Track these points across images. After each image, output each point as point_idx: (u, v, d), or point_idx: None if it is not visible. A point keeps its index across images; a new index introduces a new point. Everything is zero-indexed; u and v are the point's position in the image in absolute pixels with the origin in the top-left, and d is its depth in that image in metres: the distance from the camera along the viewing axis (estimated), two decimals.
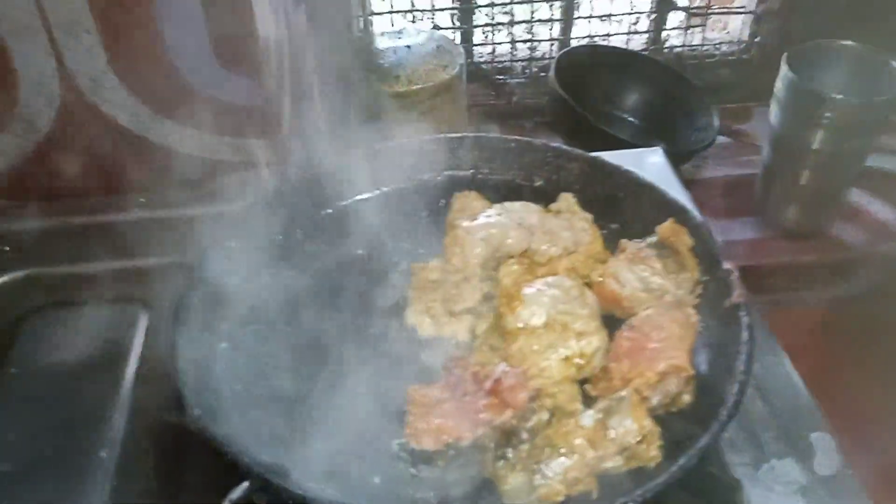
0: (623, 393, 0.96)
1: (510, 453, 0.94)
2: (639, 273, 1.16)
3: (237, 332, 1.13)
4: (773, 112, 1.82)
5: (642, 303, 1.12)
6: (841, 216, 1.93)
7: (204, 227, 1.25)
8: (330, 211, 1.33)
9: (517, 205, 1.26)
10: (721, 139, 2.09)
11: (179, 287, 1.13)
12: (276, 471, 0.89)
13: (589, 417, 0.95)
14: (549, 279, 1.13)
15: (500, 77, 2.28)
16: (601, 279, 1.15)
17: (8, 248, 1.41)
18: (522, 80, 2.29)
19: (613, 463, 0.93)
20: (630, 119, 2.21)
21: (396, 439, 0.91)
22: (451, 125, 1.94)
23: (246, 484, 0.86)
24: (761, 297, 1.28)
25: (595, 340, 1.03)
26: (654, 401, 0.98)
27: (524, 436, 0.95)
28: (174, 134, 1.50)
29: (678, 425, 1.00)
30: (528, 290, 1.10)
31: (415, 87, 1.87)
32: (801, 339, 1.55)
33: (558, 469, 0.92)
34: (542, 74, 2.27)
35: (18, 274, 1.36)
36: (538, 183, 1.39)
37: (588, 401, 1.02)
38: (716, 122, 2.03)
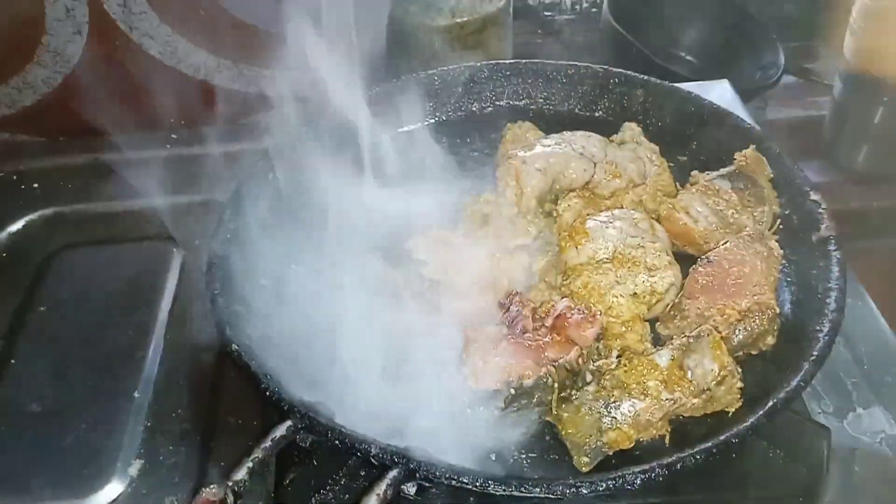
0: (702, 330, 0.86)
1: (575, 395, 0.85)
2: (712, 206, 1.06)
3: (278, 269, 1.05)
4: (847, 43, 1.68)
5: (718, 239, 1.02)
6: None
7: (238, 165, 1.17)
8: (374, 144, 1.24)
9: (578, 134, 1.16)
10: (787, 78, 1.94)
11: (217, 221, 1.06)
12: (320, 409, 0.82)
13: (664, 356, 0.86)
14: (616, 211, 1.03)
15: (549, 13, 2.16)
16: (671, 213, 1.05)
17: (37, 186, 1.34)
18: (572, 16, 2.16)
19: (690, 406, 0.84)
20: (688, 58, 2.07)
21: (452, 379, 0.82)
22: None
23: (289, 422, 0.79)
24: None
25: (668, 276, 0.93)
26: (735, 341, 0.89)
27: (589, 377, 0.87)
28: (207, 65, 1.42)
29: (760, 369, 0.91)
30: (592, 223, 1.00)
31: (459, 21, 1.76)
32: (873, 288, 1.44)
33: (629, 412, 0.83)
34: (594, 11, 2.15)
35: (47, 211, 1.30)
36: (599, 113, 1.29)
37: (658, 341, 0.94)
38: (781, 59, 1.88)
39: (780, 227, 1.05)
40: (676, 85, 1.23)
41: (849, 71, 1.71)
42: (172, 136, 1.42)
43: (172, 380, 1.04)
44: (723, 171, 1.09)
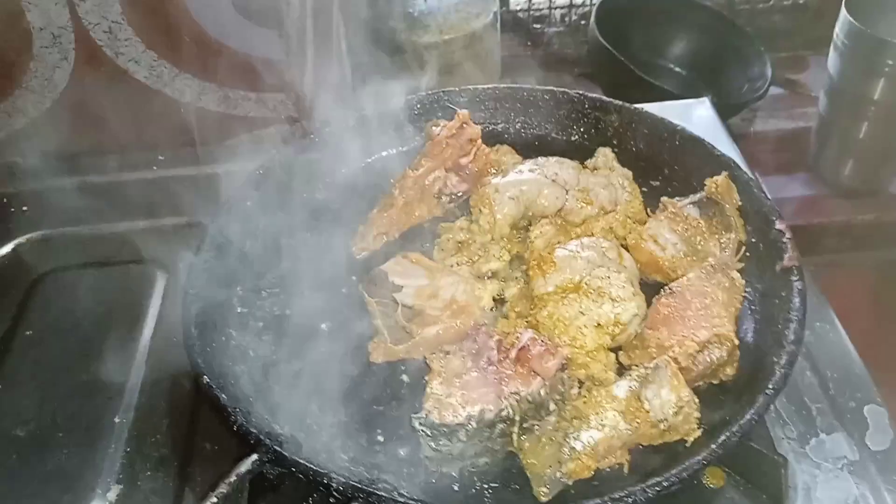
0: (659, 362, 0.88)
1: (536, 426, 0.88)
2: (680, 233, 1.08)
3: (253, 297, 1.08)
4: (832, 60, 1.69)
5: (686, 267, 1.04)
6: None
7: (221, 186, 1.20)
8: (351, 169, 1.26)
9: (552, 160, 1.18)
10: (774, 90, 1.95)
11: (195, 248, 1.09)
12: (287, 441, 0.85)
13: (622, 388, 0.88)
14: (585, 240, 1.05)
15: (537, 26, 2.18)
16: (639, 241, 1.07)
17: (26, 209, 1.37)
18: (561, 28, 2.18)
19: (648, 435, 0.87)
20: (676, 69, 2.08)
21: (414, 413, 0.85)
22: (486, 77, 1.84)
23: (255, 456, 0.82)
24: (813, 259, 1.20)
25: (631, 307, 0.95)
26: (695, 372, 0.91)
27: (552, 407, 0.89)
28: (192, 88, 1.44)
29: (719, 399, 0.93)
30: (560, 253, 1.02)
31: (446, 37, 1.78)
32: (853, 303, 1.45)
33: (588, 442, 0.85)
34: (583, 23, 2.16)
35: (35, 235, 1.33)
36: (574, 137, 1.31)
37: (621, 370, 0.96)
38: (769, 71, 1.90)
39: (747, 254, 1.07)
40: (650, 110, 1.25)
41: (833, 87, 1.72)
42: (159, 157, 1.45)
43: (153, 406, 1.07)
44: (693, 197, 1.11)
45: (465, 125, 1.21)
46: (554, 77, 2.12)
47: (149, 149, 1.45)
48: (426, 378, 0.88)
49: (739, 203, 1.09)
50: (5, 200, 1.38)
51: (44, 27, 1.33)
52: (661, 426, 0.86)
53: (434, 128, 1.22)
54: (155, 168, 1.44)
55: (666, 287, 0.99)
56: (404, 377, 0.99)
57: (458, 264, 1.09)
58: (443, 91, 1.33)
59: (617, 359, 0.96)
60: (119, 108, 1.44)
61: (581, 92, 1.29)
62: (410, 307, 1.04)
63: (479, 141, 1.20)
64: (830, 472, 0.95)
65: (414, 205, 1.17)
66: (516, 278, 1.08)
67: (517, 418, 0.85)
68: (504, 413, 0.84)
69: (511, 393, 0.85)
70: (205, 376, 0.90)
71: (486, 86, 1.33)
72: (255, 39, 1.41)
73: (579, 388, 0.92)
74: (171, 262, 1.26)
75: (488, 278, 1.08)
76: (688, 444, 0.87)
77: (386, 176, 1.26)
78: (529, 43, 2.19)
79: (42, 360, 1.14)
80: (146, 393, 1.08)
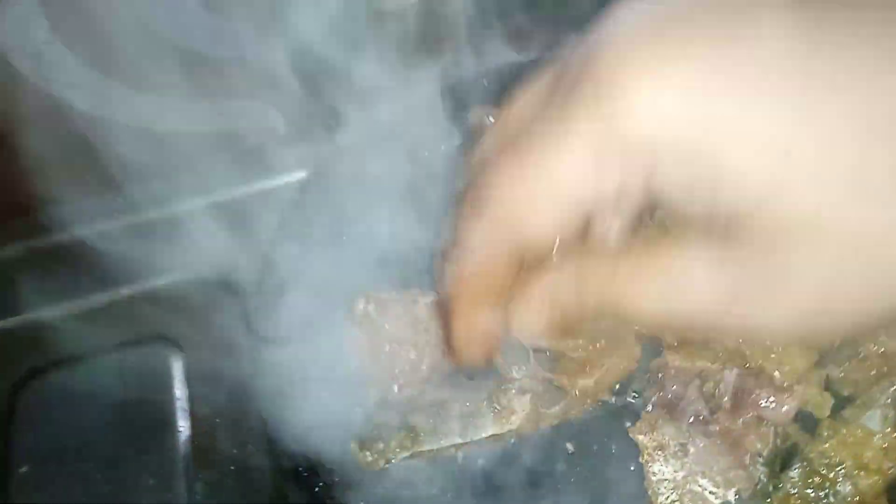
0: None
1: (777, 483, 0.70)
2: None
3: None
4: None
5: None
6: None
7: (214, 226, 0.95)
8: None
9: None
10: None
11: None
12: None
13: (875, 418, 0.71)
14: None
15: None
16: None
17: None
18: None
19: None
20: None
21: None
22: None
23: None
24: None
25: None
26: None
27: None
28: (150, 108, 1.14)
29: None
30: None
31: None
32: None
33: (850, 493, 0.68)
34: None
35: None
36: None
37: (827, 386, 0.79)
38: None
39: None
40: None
41: None
42: (118, 200, 1.14)
43: None
44: None
45: None
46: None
47: (105, 193, 1.14)
48: (643, 453, 0.68)
49: None
50: None
51: None
52: None
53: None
54: (119, 215, 1.13)
55: None
56: (568, 445, 0.78)
57: None
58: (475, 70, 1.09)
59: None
60: (57, 149, 1.12)
61: None
62: (545, 352, 0.82)
63: None
64: None
65: None
66: None
67: (770, 488, 0.67)
68: (760, 487, 0.65)
69: (753, 455, 0.67)
70: None
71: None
72: (223, 37, 1.12)
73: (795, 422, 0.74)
74: (181, 335, 0.99)
75: None
76: None
77: (433, 181, 1.02)
78: None
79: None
80: None
